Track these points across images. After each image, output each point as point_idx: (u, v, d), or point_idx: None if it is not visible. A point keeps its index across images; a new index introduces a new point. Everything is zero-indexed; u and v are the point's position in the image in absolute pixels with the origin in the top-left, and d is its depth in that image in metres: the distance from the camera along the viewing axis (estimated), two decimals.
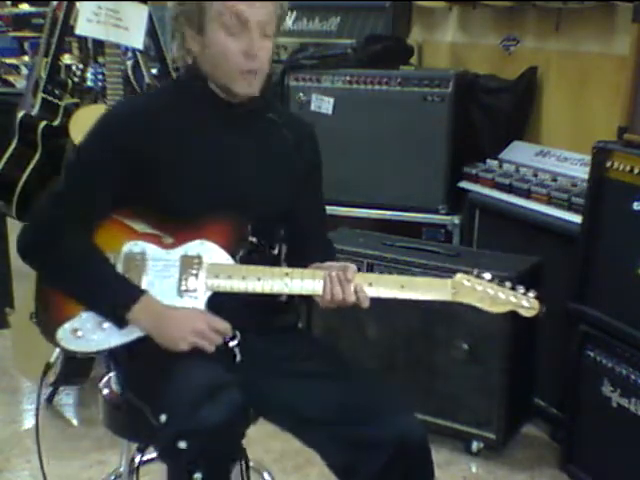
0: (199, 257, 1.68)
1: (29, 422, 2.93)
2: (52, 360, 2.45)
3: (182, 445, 1.48)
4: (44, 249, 1.69)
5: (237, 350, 1.71)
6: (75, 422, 2.90)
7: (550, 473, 2.63)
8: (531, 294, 1.72)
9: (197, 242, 1.69)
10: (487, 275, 1.71)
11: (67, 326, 1.67)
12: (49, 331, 1.69)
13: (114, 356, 1.78)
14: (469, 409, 2.67)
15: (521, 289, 1.72)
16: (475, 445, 2.71)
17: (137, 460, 1.92)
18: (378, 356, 2.77)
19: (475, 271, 1.72)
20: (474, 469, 2.68)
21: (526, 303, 1.72)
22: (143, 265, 1.68)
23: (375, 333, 2.78)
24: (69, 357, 2.53)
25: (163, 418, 1.53)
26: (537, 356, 2.75)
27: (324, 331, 2.87)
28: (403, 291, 1.69)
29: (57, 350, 2.36)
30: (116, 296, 1.65)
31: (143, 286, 1.67)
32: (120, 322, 1.65)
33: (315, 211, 1.91)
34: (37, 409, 1.69)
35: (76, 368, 2.80)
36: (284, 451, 2.61)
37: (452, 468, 2.64)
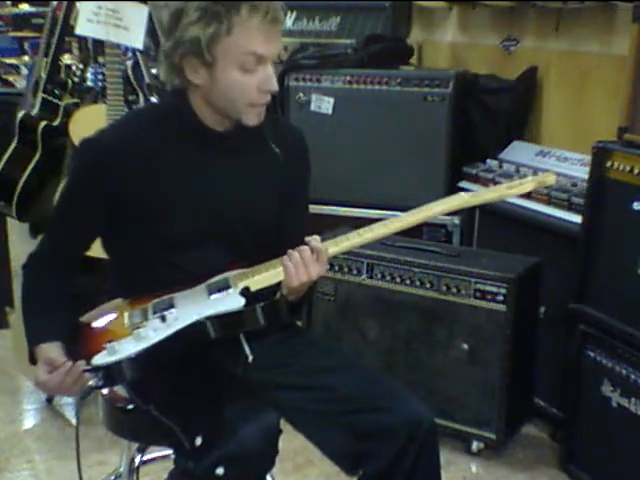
0: (224, 277, 1.67)
1: (29, 422, 2.93)
2: None
3: (220, 471, 1.49)
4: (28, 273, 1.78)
5: (248, 351, 1.72)
6: (75, 422, 2.90)
7: (550, 473, 2.63)
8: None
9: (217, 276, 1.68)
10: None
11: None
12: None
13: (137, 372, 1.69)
14: (469, 409, 2.67)
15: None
16: (475, 445, 2.71)
17: (137, 460, 1.92)
18: (378, 356, 2.77)
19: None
20: (474, 469, 2.68)
21: (542, 175, 1.76)
22: (171, 301, 1.66)
23: (375, 333, 2.79)
24: None
25: (198, 442, 1.52)
26: (537, 356, 2.75)
27: (324, 332, 2.87)
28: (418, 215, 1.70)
29: None
30: (37, 329, 1.67)
31: (176, 307, 1.65)
32: (32, 353, 1.66)
33: (299, 218, 1.87)
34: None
35: None
36: (284, 451, 2.58)
37: (452, 468, 2.64)
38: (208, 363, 1.67)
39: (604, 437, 2.41)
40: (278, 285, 1.63)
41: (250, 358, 1.72)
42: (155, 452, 2.01)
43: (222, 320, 1.61)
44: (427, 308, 2.68)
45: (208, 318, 1.60)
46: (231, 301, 1.62)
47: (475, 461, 2.70)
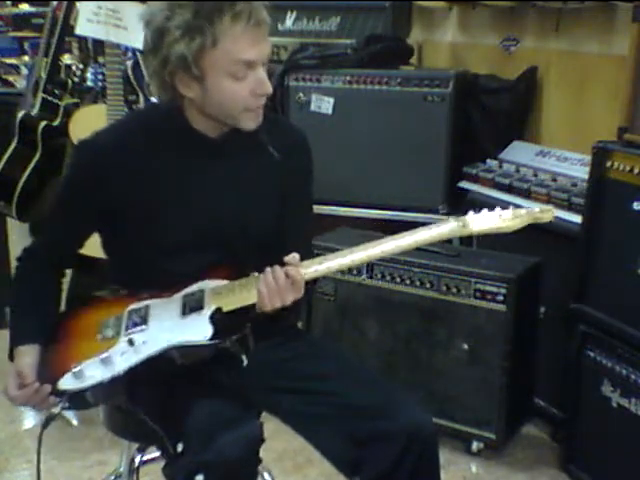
0: (201, 290, 1.65)
1: (29, 422, 2.93)
2: None
3: (199, 478, 1.48)
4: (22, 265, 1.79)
5: (243, 356, 1.71)
6: (75, 422, 2.90)
7: (550, 473, 2.63)
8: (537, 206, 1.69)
9: (198, 284, 1.67)
10: (485, 210, 1.66)
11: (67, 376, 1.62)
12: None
13: (104, 397, 1.70)
14: (469, 409, 2.67)
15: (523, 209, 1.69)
16: (475, 445, 2.71)
17: (137, 460, 1.92)
18: (378, 356, 2.77)
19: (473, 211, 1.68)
20: (474, 469, 2.68)
21: (538, 210, 1.68)
22: (146, 313, 1.66)
23: (375, 333, 2.78)
24: None
25: (179, 448, 1.52)
26: (537, 356, 2.75)
27: (324, 332, 2.87)
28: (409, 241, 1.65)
29: None
30: (18, 330, 1.69)
31: (148, 323, 1.65)
32: (11, 352, 1.68)
33: (300, 219, 1.85)
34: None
35: None
36: (284, 451, 2.61)
37: (452, 468, 2.64)
38: (197, 368, 1.65)
39: (604, 437, 2.41)
40: (253, 305, 1.61)
41: (245, 362, 1.71)
42: (155, 452, 2.01)
43: (188, 350, 1.60)
44: (427, 308, 2.68)
45: (173, 348, 1.59)
46: (199, 328, 1.60)
47: (475, 461, 2.70)
